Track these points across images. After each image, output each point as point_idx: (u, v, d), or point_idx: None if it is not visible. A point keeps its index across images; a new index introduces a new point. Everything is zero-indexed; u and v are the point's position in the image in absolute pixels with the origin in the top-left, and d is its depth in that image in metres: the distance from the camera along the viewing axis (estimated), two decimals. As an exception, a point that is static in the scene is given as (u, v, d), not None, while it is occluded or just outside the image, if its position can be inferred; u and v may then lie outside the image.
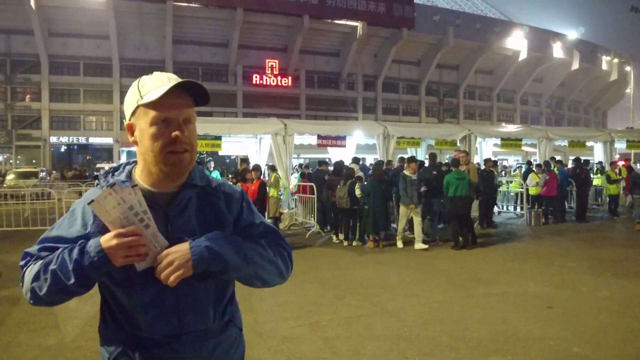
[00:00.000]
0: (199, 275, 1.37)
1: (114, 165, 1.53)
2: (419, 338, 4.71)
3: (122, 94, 42.46)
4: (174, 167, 1.38)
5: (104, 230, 1.35)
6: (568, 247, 9.68)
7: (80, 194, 16.35)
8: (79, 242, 1.34)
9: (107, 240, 1.28)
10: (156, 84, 1.37)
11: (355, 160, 11.98)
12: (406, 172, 9.72)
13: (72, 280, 1.29)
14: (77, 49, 41.18)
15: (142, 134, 1.38)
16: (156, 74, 1.42)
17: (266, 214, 10.63)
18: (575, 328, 4.91)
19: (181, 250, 1.32)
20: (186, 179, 1.46)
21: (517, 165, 19.84)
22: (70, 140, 43.04)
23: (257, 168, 10.35)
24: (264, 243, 1.50)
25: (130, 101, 1.41)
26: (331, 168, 12.16)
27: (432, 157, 11.41)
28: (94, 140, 43.43)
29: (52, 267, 1.32)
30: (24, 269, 1.41)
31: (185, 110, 1.38)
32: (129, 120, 1.43)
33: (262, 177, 10.71)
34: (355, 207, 9.90)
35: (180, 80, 1.37)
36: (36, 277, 1.34)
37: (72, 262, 1.29)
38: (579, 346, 4.43)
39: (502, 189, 16.15)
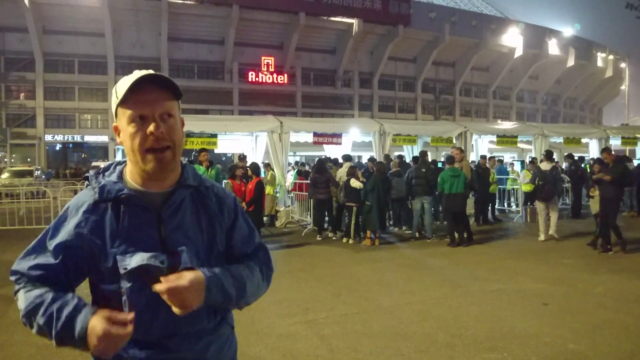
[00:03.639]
0: None
1: (105, 165, 1.51)
2: (415, 335, 4.72)
3: (118, 92, 42.95)
4: (155, 166, 1.35)
5: (94, 230, 1.34)
6: (564, 243, 9.71)
7: (75, 192, 16.30)
8: (73, 301, 1.29)
9: (95, 324, 1.23)
10: (129, 83, 1.35)
11: (347, 157, 11.96)
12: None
13: (55, 342, 1.28)
14: (72, 47, 41.08)
15: (123, 134, 1.38)
16: (134, 72, 1.39)
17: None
18: (571, 325, 4.93)
19: (197, 281, 1.30)
20: (179, 178, 1.44)
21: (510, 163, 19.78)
22: (66, 139, 42.94)
23: (254, 167, 10.31)
24: (256, 268, 1.53)
25: (113, 104, 1.40)
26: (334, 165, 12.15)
27: (423, 154, 11.41)
28: (89, 138, 43.36)
29: (39, 320, 1.28)
30: (17, 291, 1.36)
31: (161, 105, 1.35)
32: (115, 122, 1.42)
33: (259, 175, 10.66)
34: (351, 204, 9.89)
35: (142, 74, 1.34)
36: (28, 315, 1.31)
37: (57, 327, 1.26)
38: (575, 342, 4.45)
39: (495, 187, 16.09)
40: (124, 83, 1.36)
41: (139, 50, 42.16)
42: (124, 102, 1.35)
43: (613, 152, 9.48)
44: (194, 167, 1.53)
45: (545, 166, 11.31)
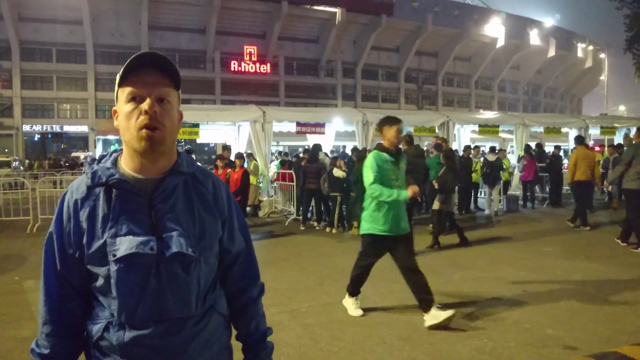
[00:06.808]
0: (185, 266, 1.38)
1: (92, 154, 1.50)
2: (397, 323, 4.77)
3: (97, 81, 41.93)
4: (145, 145, 1.36)
5: (88, 215, 1.37)
6: (543, 231, 9.87)
7: (54, 183, 16.04)
8: None
9: None
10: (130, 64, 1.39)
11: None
12: None
13: None
14: (50, 35, 40.04)
15: (120, 114, 1.40)
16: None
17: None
18: (550, 311, 5.02)
19: None
20: (172, 165, 1.44)
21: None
22: (44, 129, 42.01)
23: (240, 156, 10.28)
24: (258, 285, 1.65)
25: (116, 87, 1.43)
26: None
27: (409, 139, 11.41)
28: (68, 128, 42.50)
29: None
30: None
31: (159, 89, 1.38)
32: (115, 106, 1.45)
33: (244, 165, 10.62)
34: (336, 194, 9.90)
35: (142, 52, 1.38)
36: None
37: None
38: (553, 328, 4.53)
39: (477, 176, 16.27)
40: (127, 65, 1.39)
41: (118, 38, 41.39)
42: (123, 83, 1.39)
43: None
44: (189, 155, 1.53)
45: (491, 157, 12.68)
